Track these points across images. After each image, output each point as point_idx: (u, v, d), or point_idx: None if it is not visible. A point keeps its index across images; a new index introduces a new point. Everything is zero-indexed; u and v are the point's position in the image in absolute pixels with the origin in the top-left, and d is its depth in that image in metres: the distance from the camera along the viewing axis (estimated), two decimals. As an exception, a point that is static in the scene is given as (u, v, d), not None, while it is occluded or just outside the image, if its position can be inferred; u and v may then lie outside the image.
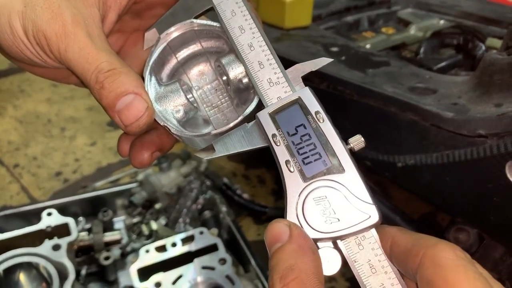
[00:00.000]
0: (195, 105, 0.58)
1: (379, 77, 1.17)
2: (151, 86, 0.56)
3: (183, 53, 0.60)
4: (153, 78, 0.56)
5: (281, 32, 1.47)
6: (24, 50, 0.51)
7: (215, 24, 0.55)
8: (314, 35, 1.47)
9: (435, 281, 0.38)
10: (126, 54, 0.63)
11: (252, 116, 0.52)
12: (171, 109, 0.56)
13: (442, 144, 0.99)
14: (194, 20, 0.56)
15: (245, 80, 0.55)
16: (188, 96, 0.57)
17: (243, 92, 0.56)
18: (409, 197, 1.64)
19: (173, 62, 0.60)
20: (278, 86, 0.51)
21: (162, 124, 0.53)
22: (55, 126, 2.14)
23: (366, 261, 0.45)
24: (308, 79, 0.52)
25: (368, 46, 1.53)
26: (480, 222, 1.07)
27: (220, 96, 0.59)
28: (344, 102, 1.16)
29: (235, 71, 0.55)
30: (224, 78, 0.56)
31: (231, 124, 0.51)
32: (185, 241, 1.34)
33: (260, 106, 0.52)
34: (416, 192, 1.18)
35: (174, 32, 0.56)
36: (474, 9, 1.78)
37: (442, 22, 1.73)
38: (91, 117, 2.19)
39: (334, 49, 1.32)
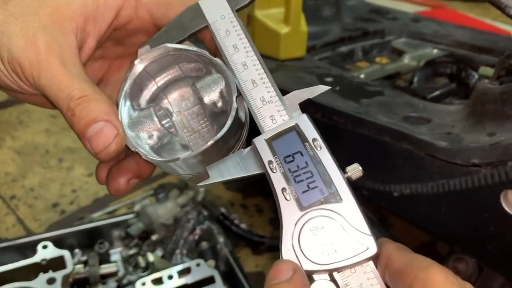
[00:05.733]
0: (171, 130, 0.58)
1: (373, 107, 1.18)
2: (125, 112, 0.56)
3: (162, 78, 0.60)
4: (127, 103, 0.56)
5: (276, 63, 1.49)
6: (2, 76, 0.52)
7: (190, 48, 0.55)
8: (309, 66, 1.49)
9: None
10: (109, 80, 0.65)
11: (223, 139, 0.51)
12: (144, 135, 0.55)
13: (437, 173, 0.99)
14: (169, 45, 0.55)
15: (220, 104, 0.55)
16: (162, 122, 0.56)
17: (220, 116, 0.56)
18: (409, 225, 1.63)
19: (153, 87, 0.60)
20: (271, 105, 0.51)
21: (133, 149, 0.53)
22: (52, 157, 2.14)
23: (358, 285, 0.44)
24: (303, 108, 0.52)
25: (362, 76, 1.55)
26: (477, 252, 1.06)
27: (201, 121, 0.59)
28: (339, 132, 1.17)
29: (210, 96, 0.55)
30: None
31: (201, 149, 0.51)
32: (181, 273, 1.33)
33: (231, 130, 0.51)
34: (413, 221, 1.17)
35: (148, 57, 0.56)
36: (466, 38, 1.80)
37: (435, 51, 1.76)
38: (89, 148, 2.19)
39: (329, 79, 1.34)
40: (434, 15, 3.19)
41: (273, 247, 1.65)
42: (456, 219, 1.02)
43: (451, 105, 1.34)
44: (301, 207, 0.46)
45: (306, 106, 1.18)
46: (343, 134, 1.15)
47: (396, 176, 1.08)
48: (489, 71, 1.46)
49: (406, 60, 1.68)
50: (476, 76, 1.42)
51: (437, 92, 1.39)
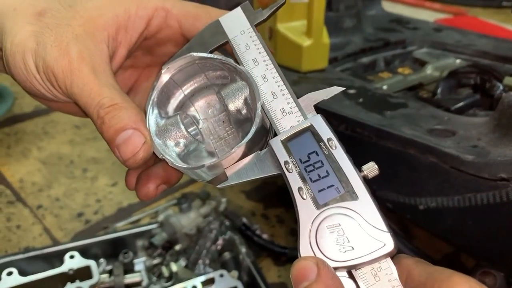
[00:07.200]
0: (197, 137, 0.59)
1: (398, 119, 1.18)
2: (152, 120, 0.57)
3: (189, 86, 0.61)
4: (155, 112, 0.58)
5: (298, 75, 1.49)
6: (36, 85, 0.55)
7: (215, 56, 0.57)
8: (331, 78, 1.49)
9: None
10: (138, 89, 0.67)
11: (250, 148, 0.52)
12: (171, 142, 0.57)
13: (463, 187, 0.99)
14: (194, 54, 0.57)
15: (244, 111, 0.56)
16: (189, 129, 0.58)
17: (245, 123, 0.58)
18: (432, 236, 1.61)
19: (180, 95, 0.61)
20: (291, 116, 0.52)
21: (160, 157, 0.55)
22: (77, 167, 2.18)
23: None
24: (327, 121, 0.53)
25: (385, 87, 1.54)
26: (505, 267, 1.05)
27: (227, 128, 0.61)
28: (363, 144, 1.17)
29: (235, 103, 0.56)
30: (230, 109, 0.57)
31: (225, 157, 0.52)
32: (205, 284, 1.34)
33: (255, 136, 0.53)
34: (439, 234, 1.16)
35: (174, 66, 0.58)
36: (489, 47, 1.79)
37: (458, 61, 1.75)
38: (112, 158, 2.22)
39: (351, 91, 1.34)
40: (455, 23, 3.17)
41: (294, 258, 1.65)
42: (483, 233, 1.01)
43: (475, 116, 1.33)
44: (318, 206, 0.47)
45: (330, 119, 1.19)
46: (368, 146, 1.15)
47: (422, 189, 1.08)
48: (514, 81, 1.45)
49: (429, 70, 1.67)
50: (501, 87, 1.40)
51: (461, 103, 1.37)
